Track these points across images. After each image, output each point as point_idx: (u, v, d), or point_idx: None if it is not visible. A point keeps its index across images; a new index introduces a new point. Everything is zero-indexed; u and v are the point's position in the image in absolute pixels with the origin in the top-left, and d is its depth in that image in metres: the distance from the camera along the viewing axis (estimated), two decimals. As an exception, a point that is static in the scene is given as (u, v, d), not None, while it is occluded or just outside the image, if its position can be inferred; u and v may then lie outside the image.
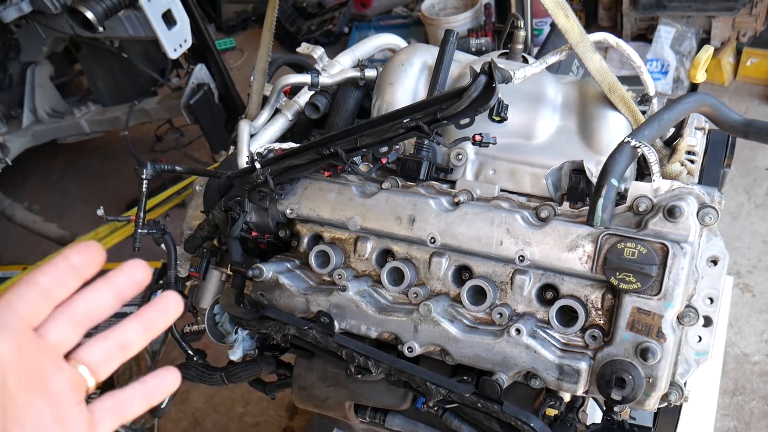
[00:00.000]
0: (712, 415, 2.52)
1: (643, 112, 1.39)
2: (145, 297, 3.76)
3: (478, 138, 1.22)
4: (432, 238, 1.24)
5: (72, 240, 3.55)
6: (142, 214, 1.47)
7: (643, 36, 4.48)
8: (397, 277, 1.29)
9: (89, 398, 0.68)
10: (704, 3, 4.02)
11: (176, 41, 3.31)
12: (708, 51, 1.24)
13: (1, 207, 3.89)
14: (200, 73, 3.62)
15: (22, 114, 4.23)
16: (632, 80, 1.45)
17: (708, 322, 1.19)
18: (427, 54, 1.46)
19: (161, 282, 1.55)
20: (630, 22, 4.44)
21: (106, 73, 4.27)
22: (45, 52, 4.06)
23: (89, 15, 2.96)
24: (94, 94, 4.41)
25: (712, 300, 1.18)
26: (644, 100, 1.40)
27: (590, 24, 4.79)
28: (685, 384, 1.22)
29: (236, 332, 1.47)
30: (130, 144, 4.03)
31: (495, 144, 1.24)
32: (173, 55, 3.31)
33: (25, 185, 4.76)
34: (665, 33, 4.13)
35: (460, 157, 1.37)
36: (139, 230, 1.46)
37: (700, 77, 1.25)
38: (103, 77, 4.30)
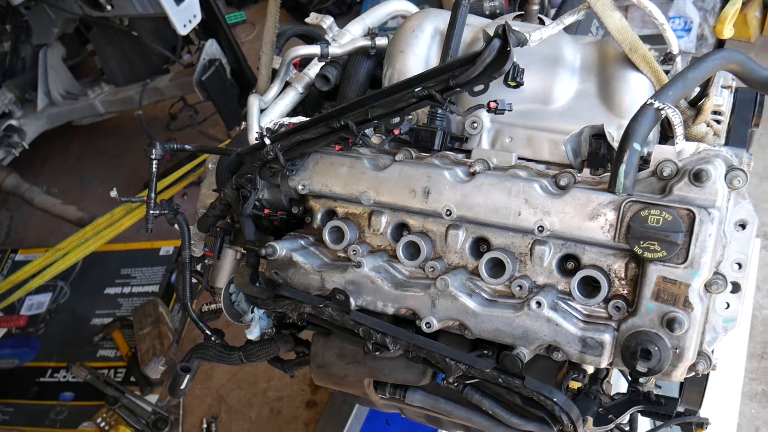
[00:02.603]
0: (739, 379, 2.48)
1: (666, 72, 1.33)
2: (165, 277, 3.79)
3: (493, 105, 1.18)
4: (448, 210, 1.20)
5: (90, 222, 3.57)
6: (153, 195, 1.45)
7: (664, -7, 4.34)
8: (413, 251, 1.26)
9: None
10: (727, -44, 3.87)
11: (185, 17, 3.27)
12: (736, 4, 1.18)
13: (21, 191, 3.92)
14: (211, 48, 3.59)
15: (37, 97, 4.24)
16: (655, 39, 1.38)
17: (736, 288, 1.14)
18: (439, 19, 1.41)
19: (178, 262, 1.53)
20: (650, -20, 4.31)
21: (118, 53, 4.25)
22: (56, 33, 4.05)
23: (96, -7, 2.92)
24: (106, 75, 4.40)
25: (740, 265, 1.13)
26: (667, 59, 1.34)
27: (608, -17, 4.66)
28: (712, 352, 1.19)
29: (252, 311, 1.45)
30: (145, 123, 4.03)
31: (511, 111, 1.19)
32: (183, 31, 3.28)
33: (43, 168, 4.79)
34: (687, -11, 3.99)
35: (476, 125, 1.32)
36: (151, 211, 1.45)
37: (728, 32, 1.18)
38: (115, 57, 4.28)
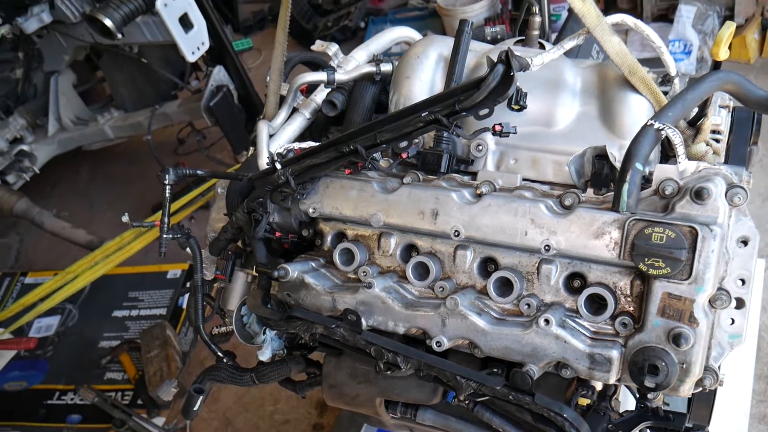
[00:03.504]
0: (747, 401, 2.48)
1: (665, 93, 1.36)
2: (172, 300, 3.82)
3: (498, 128, 1.21)
4: (456, 231, 1.23)
5: (99, 245, 3.60)
6: (166, 219, 1.48)
7: (664, 16, 4.40)
8: (423, 271, 1.28)
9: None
10: (725, -21, 3.93)
11: (194, 44, 3.33)
12: (730, 27, 1.21)
13: (31, 215, 3.96)
14: (219, 75, 3.64)
15: (48, 123, 4.30)
16: (654, 62, 1.42)
17: (740, 304, 1.17)
18: (443, 45, 1.45)
19: (188, 285, 1.56)
20: (650, 3, 4.36)
21: (127, 79, 4.32)
22: (67, 60, 4.12)
23: (107, 22, 2.99)
24: (116, 100, 4.47)
25: (744, 281, 1.16)
26: (666, 81, 1.38)
27: (609, 7, 4.71)
28: (719, 368, 1.20)
29: (264, 333, 1.48)
30: (154, 148, 4.08)
31: (515, 133, 1.22)
32: (191, 58, 3.34)
33: (53, 192, 4.84)
34: (686, 12, 4.05)
35: (481, 148, 1.36)
36: (164, 235, 1.48)
37: (723, 54, 1.22)
38: (125, 83, 4.35)
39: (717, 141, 1.39)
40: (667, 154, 1.34)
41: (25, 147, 4.20)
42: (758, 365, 2.73)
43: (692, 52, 4.02)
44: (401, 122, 1.23)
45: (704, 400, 1.42)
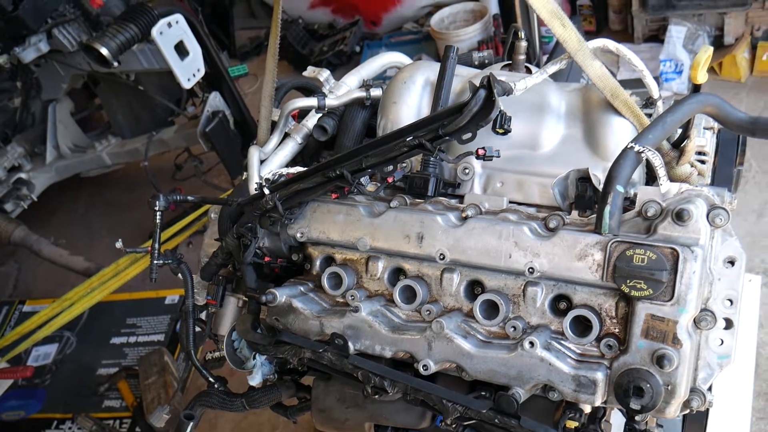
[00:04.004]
0: (747, 418, 2.46)
1: (649, 116, 1.38)
2: (170, 326, 3.81)
3: (481, 152, 1.22)
4: (441, 254, 1.24)
5: (97, 272, 3.61)
6: (157, 246, 1.49)
7: (655, 37, 4.45)
8: (410, 295, 1.29)
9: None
10: (714, 0, 3.98)
11: (189, 71, 3.37)
12: (707, 52, 1.23)
13: (29, 242, 3.97)
14: (215, 100, 3.68)
15: (46, 150, 4.34)
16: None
17: (729, 324, 1.16)
18: (429, 71, 1.47)
19: (181, 311, 1.57)
20: (641, 24, 4.42)
21: (125, 106, 4.36)
22: (65, 89, 4.17)
23: (103, 51, 3.03)
24: (113, 127, 4.51)
25: (732, 301, 1.16)
26: (649, 103, 1.39)
27: (601, 28, 4.77)
28: (709, 389, 1.20)
29: (254, 358, 1.48)
30: (151, 174, 4.10)
31: (499, 157, 1.23)
32: (187, 85, 3.37)
33: (52, 220, 4.86)
34: (677, 33, 4.10)
35: (467, 171, 1.37)
36: (155, 261, 1.48)
37: (701, 78, 1.24)
38: (122, 110, 4.39)
39: (702, 162, 1.41)
40: (654, 176, 1.35)
41: (23, 175, 4.23)
42: (757, 382, 2.71)
43: (683, 71, 4.07)
44: (386, 147, 1.24)
45: (697, 421, 1.42)
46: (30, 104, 4.22)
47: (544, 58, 3.62)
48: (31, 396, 3.68)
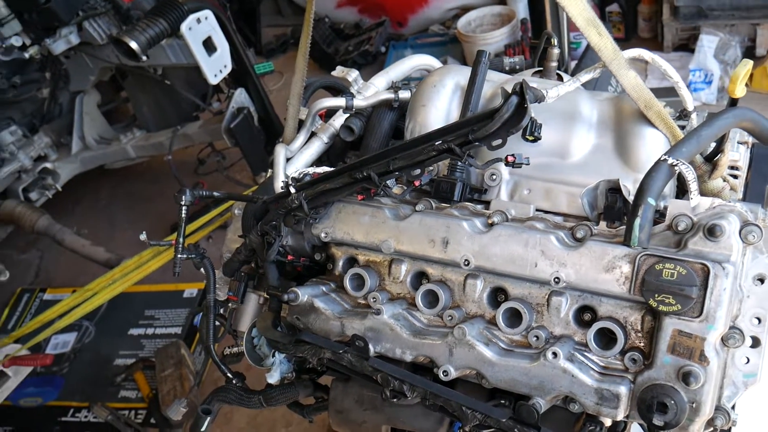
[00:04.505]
0: (767, 437, 2.42)
1: (682, 128, 1.36)
2: (188, 319, 3.84)
3: (510, 159, 1.21)
4: (466, 260, 1.23)
5: (117, 263, 3.64)
6: (181, 240, 1.50)
7: (685, 46, 4.40)
8: (432, 299, 1.28)
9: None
10: (747, 11, 3.92)
11: (216, 67, 3.39)
12: (747, 65, 1.21)
13: (52, 232, 4.02)
14: (240, 97, 3.70)
15: (72, 141, 4.40)
16: (674, 91, 1.41)
17: (756, 342, 1.14)
18: (460, 75, 1.46)
19: (203, 305, 1.57)
20: (671, 32, 4.36)
21: (151, 100, 4.41)
22: (92, 81, 4.22)
23: (133, 45, 3.06)
24: (139, 120, 4.55)
25: (760, 320, 1.14)
26: (683, 115, 1.37)
27: (630, 36, 4.72)
28: (733, 407, 1.18)
29: (274, 355, 1.48)
30: (174, 168, 4.14)
31: (528, 165, 1.22)
32: (214, 80, 3.39)
33: (75, 210, 4.91)
34: (708, 42, 4.04)
35: (495, 177, 1.36)
36: (179, 255, 1.49)
37: (740, 92, 1.21)
38: (148, 104, 4.43)
39: (735, 177, 1.39)
40: (685, 189, 1.33)
41: (48, 165, 4.29)
42: (778, 404, 2.66)
43: (713, 81, 4.02)
44: (414, 150, 1.24)
45: (718, 440, 1.39)
46: (58, 95, 4.27)
47: (572, 63, 3.59)
48: (48, 383, 3.73)
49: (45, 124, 4.37)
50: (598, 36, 1.25)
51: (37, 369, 3.84)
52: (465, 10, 5.21)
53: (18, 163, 4.14)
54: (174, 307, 3.95)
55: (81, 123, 4.38)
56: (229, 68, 3.49)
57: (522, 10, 4.74)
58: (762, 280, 1.13)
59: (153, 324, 3.91)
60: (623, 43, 4.68)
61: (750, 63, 1.24)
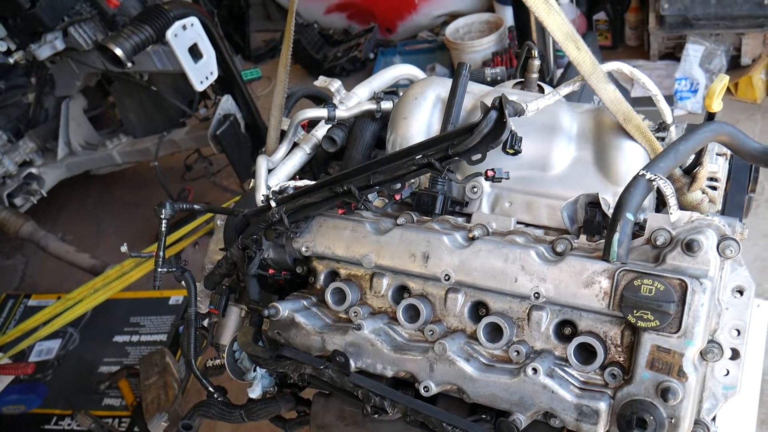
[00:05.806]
0: (750, 446, 2.43)
1: (662, 140, 1.36)
2: (173, 327, 3.81)
3: (490, 173, 1.21)
4: (446, 275, 1.22)
5: (102, 270, 3.61)
6: (161, 253, 1.49)
7: (671, 54, 4.42)
8: (413, 314, 1.28)
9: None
10: (732, 20, 3.95)
11: (203, 74, 3.37)
12: (723, 80, 1.22)
13: (36, 238, 3.98)
14: (226, 104, 3.68)
15: (57, 146, 4.36)
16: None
17: (735, 354, 1.15)
18: (441, 87, 1.46)
19: (183, 318, 1.56)
20: (657, 41, 4.39)
21: (137, 106, 4.38)
22: (78, 86, 4.19)
23: (118, 52, 3.03)
24: (125, 126, 4.52)
25: (739, 332, 1.14)
26: (662, 128, 1.38)
27: (617, 44, 4.75)
28: (713, 419, 1.18)
29: (255, 370, 1.47)
30: (160, 174, 4.11)
31: (508, 179, 1.22)
32: (200, 87, 3.37)
33: (60, 215, 4.87)
34: (693, 51, 4.07)
35: (476, 190, 1.36)
36: (159, 269, 1.48)
37: (716, 106, 1.22)
38: (134, 110, 4.41)
39: (714, 188, 1.39)
40: (664, 201, 1.33)
41: (33, 170, 4.25)
42: (761, 410, 2.67)
43: (699, 90, 4.04)
44: (395, 164, 1.23)
45: (699, 451, 1.39)
46: (43, 100, 4.24)
47: (558, 72, 3.60)
48: (32, 391, 3.70)
49: (30, 129, 4.33)
50: (577, 50, 1.26)
51: (21, 376, 3.80)
52: (453, 17, 5.22)
53: (2, 168, 4.11)
54: (159, 314, 3.92)
55: (67, 128, 4.35)
56: (216, 75, 3.47)
57: (510, 18, 4.75)
58: (741, 292, 1.14)
59: (138, 331, 3.88)
60: (610, 51, 4.70)
61: (726, 78, 1.24)
